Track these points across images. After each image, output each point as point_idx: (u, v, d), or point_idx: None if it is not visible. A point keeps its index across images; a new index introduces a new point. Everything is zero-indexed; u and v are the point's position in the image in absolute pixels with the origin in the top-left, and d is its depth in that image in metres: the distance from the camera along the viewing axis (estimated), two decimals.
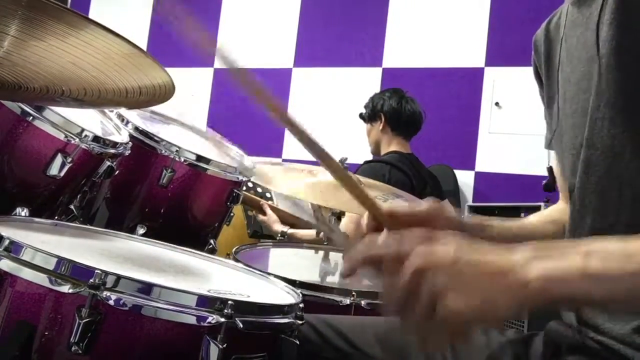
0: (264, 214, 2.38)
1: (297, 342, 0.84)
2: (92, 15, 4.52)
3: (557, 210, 1.03)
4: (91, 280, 0.73)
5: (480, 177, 3.52)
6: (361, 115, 2.72)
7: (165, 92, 0.81)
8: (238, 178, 1.55)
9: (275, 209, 2.42)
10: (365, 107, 2.71)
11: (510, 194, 3.31)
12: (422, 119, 2.66)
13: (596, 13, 0.80)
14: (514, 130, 3.42)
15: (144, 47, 3.79)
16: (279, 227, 2.33)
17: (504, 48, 3.51)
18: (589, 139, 0.79)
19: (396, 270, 0.60)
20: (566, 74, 0.89)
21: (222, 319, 0.76)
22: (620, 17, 0.75)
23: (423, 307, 0.58)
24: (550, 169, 0.91)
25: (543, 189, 0.91)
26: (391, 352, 0.92)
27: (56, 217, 1.23)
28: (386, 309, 0.62)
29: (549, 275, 0.56)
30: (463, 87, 3.60)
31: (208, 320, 0.76)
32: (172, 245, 1.15)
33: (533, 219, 1.05)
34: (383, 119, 2.61)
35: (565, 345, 0.84)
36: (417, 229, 0.64)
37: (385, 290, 0.62)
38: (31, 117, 1.07)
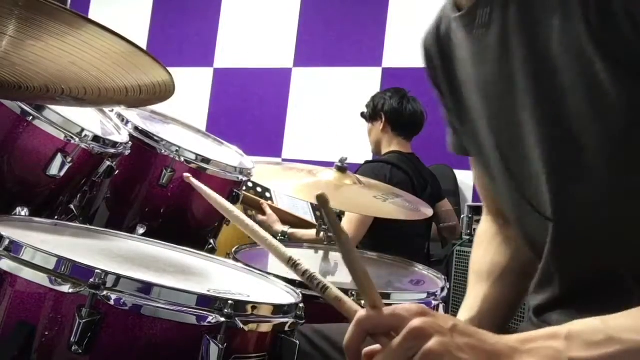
0: (264, 213, 2.38)
1: (297, 342, 0.84)
2: (92, 15, 4.52)
3: (493, 253, 0.99)
4: (91, 280, 0.73)
5: None
6: (363, 115, 2.72)
7: (165, 91, 0.81)
8: (238, 178, 1.55)
9: (275, 209, 2.42)
10: (367, 106, 2.71)
11: None
12: (423, 119, 2.65)
13: (497, 48, 0.74)
14: None
15: (145, 46, 3.80)
16: (279, 227, 2.33)
17: None
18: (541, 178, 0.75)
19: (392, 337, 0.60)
20: (480, 107, 0.83)
21: (222, 319, 0.76)
22: (537, 68, 0.70)
23: None
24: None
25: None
26: None
27: (56, 217, 1.24)
28: None
29: None
30: None
31: (208, 320, 0.76)
32: (172, 245, 1.15)
33: (479, 290, 0.98)
34: (383, 119, 2.61)
35: None
36: (412, 305, 0.63)
37: (382, 352, 0.61)
38: (31, 117, 1.07)
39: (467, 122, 0.88)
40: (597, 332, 0.58)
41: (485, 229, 1.03)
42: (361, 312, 0.63)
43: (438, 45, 0.94)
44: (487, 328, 0.65)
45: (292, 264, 0.69)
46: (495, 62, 0.76)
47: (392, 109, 2.59)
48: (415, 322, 0.58)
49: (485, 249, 1.01)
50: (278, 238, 2.26)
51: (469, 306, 0.95)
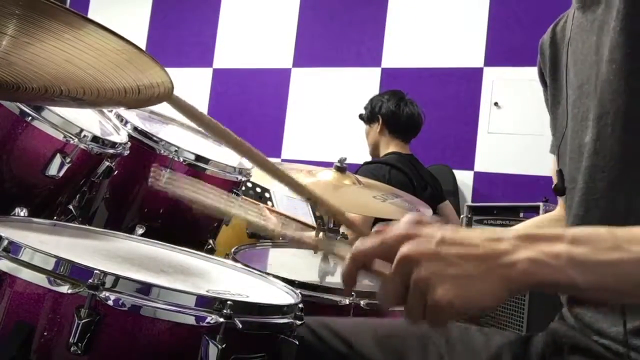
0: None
1: (297, 343, 0.84)
2: (91, 15, 4.51)
3: (557, 215, 1.04)
4: (90, 281, 0.72)
5: (479, 177, 3.52)
6: (360, 116, 2.72)
7: (164, 92, 0.80)
8: (237, 178, 1.55)
9: (273, 212, 2.42)
10: (365, 108, 2.71)
11: (509, 194, 3.31)
12: (421, 122, 2.65)
13: (601, 18, 0.80)
14: (513, 130, 3.42)
15: (144, 47, 3.80)
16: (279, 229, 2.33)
17: (503, 48, 3.51)
18: (595, 145, 0.79)
19: (385, 265, 0.62)
20: (570, 77, 0.88)
21: (221, 319, 0.76)
22: (631, 24, 0.75)
23: (413, 298, 0.59)
24: (559, 172, 0.90)
25: (553, 191, 0.91)
26: (390, 354, 0.91)
27: (55, 217, 1.23)
28: (380, 299, 0.63)
29: (534, 258, 0.57)
30: (462, 87, 3.60)
31: (207, 320, 0.76)
32: (171, 245, 1.15)
33: (538, 217, 1.07)
34: (381, 121, 2.61)
35: (567, 346, 0.84)
36: (403, 223, 0.64)
37: (380, 285, 0.63)
38: (30, 118, 1.07)
39: (559, 104, 0.92)
40: (603, 240, 0.57)
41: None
42: (355, 246, 0.65)
43: (552, 36, 0.98)
44: None
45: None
46: (593, 34, 0.80)
47: (390, 112, 2.60)
48: (402, 251, 0.60)
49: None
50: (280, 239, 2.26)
51: None
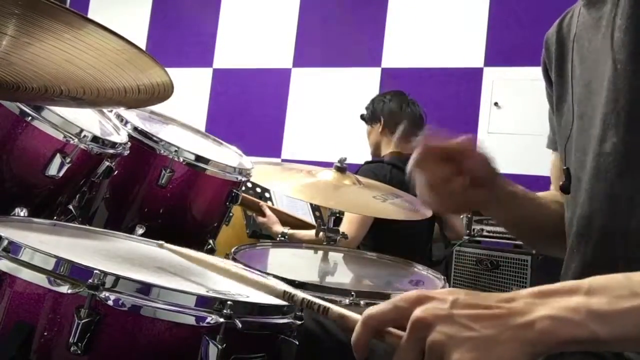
0: (264, 215, 2.38)
1: (297, 343, 0.84)
2: (91, 15, 4.51)
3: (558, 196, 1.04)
4: (90, 281, 0.72)
5: None
6: (362, 117, 2.72)
7: (164, 91, 0.81)
8: (237, 178, 1.55)
9: (274, 210, 2.42)
10: (366, 108, 2.71)
11: None
12: (422, 123, 2.65)
13: (607, 16, 0.80)
14: (513, 130, 3.42)
15: (144, 47, 3.80)
16: (278, 228, 2.33)
17: (503, 48, 3.51)
18: (600, 144, 0.79)
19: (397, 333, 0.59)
20: (576, 75, 0.88)
21: (221, 319, 0.76)
22: (637, 23, 0.75)
23: None
24: (567, 170, 0.91)
25: (561, 190, 0.91)
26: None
27: (55, 217, 1.23)
28: None
29: (552, 315, 0.54)
30: (462, 87, 3.60)
31: (207, 320, 0.76)
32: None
33: (542, 194, 1.07)
34: (382, 121, 2.61)
35: None
36: (413, 292, 0.62)
37: (395, 353, 0.60)
38: (30, 118, 1.07)
39: (565, 101, 0.92)
40: (620, 287, 0.55)
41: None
42: (366, 312, 0.62)
43: (558, 31, 0.98)
44: None
45: (289, 297, 0.71)
46: (599, 32, 0.80)
47: (391, 112, 2.59)
48: (415, 314, 0.58)
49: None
50: (278, 239, 2.26)
51: None
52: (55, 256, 0.75)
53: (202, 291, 0.83)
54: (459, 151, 0.86)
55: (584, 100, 0.85)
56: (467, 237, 2.53)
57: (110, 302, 0.73)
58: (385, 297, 1.25)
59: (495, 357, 0.54)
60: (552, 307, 0.55)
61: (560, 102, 0.95)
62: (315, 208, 2.74)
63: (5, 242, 0.77)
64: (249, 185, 2.43)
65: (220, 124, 4.12)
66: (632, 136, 0.75)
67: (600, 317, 0.53)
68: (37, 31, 0.65)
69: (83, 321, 0.71)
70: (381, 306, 0.61)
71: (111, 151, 1.23)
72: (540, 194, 1.08)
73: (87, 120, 1.24)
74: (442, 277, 1.53)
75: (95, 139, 1.17)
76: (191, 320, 0.76)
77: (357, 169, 2.44)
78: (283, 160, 3.90)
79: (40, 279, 0.74)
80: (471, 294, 0.59)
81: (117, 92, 0.80)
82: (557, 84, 0.97)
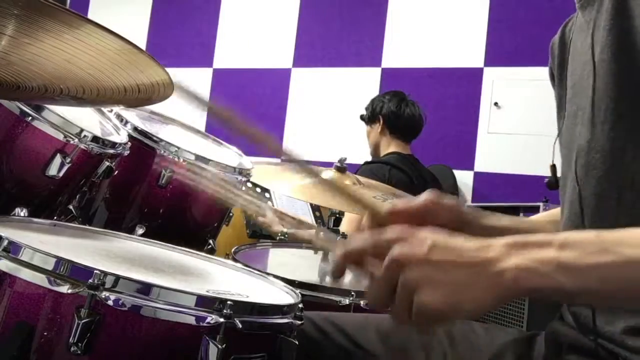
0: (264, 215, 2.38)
1: (297, 343, 0.84)
2: (91, 15, 4.52)
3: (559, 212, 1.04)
4: (90, 281, 0.72)
5: (479, 177, 3.52)
6: (362, 117, 2.73)
7: (164, 90, 0.81)
8: (237, 178, 1.55)
9: (274, 210, 2.42)
10: (366, 109, 2.72)
11: (509, 194, 3.31)
12: (422, 123, 2.65)
13: (594, 18, 0.80)
14: (513, 130, 3.42)
15: (144, 47, 3.78)
16: (278, 227, 2.33)
17: (503, 48, 3.51)
18: (587, 143, 0.79)
19: (375, 264, 0.62)
20: (569, 76, 0.89)
21: (221, 319, 0.76)
22: (619, 22, 0.75)
23: (400, 300, 0.60)
24: (553, 167, 0.91)
25: (547, 186, 0.92)
26: (393, 349, 0.92)
27: (55, 218, 1.23)
28: (370, 301, 0.65)
29: (523, 265, 0.57)
30: (462, 87, 3.60)
31: (207, 320, 0.76)
32: (171, 245, 1.15)
33: (534, 217, 1.07)
34: (381, 122, 2.61)
35: (566, 345, 0.84)
36: (398, 225, 0.65)
37: (368, 284, 0.64)
38: (30, 117, 1.07)
39: (564, 107, 0.92)
40: (591, 243, 0.58)
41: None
42: (347, 244, 0.66)
43: (561, 36, 0.99)
44: None
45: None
46: (588, 34, 0.81)
47: (390, 112, 2.60)
48: (392, 253, 0.61)
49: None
50: (278, 238, 2.26)
51: None
52: (55, 256, 0.75)
53: (202, 291, 0.83)
54: (426, 212, 0.80)
55: (572, 99, 0.85)
56: None
57: (110, 302, 0.73)
58: None
59: (465, 299, 0.58)
60: (523, 257, 0.58)
61: (560, 104, 0.96)
62: (315, 208, 2.74)
63: (5, 242, 0.77)
64: (249, 185, 2.43)
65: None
66: (618, 134, 0.75)
67: (568, 269, 0.56)
68: (36, 31, 0.65)
69: (83, 321, 0.71)
70: (362, 240, 0.65)
71: (111, 151, 1.23)
72: (536, 217, 1.07)
73: (87, 120, 1.24)
74: None
75: (95, 139, 1.17)
76: (191, 320, 0.76)
77: (357, 169, 2.44)
78: (283, 160, 3.90)
79: (40, 279, 0.75)
80: (450, 238, 0.62)
81: (117, 91, 0.80)
82: (558, 87, 0.97)
